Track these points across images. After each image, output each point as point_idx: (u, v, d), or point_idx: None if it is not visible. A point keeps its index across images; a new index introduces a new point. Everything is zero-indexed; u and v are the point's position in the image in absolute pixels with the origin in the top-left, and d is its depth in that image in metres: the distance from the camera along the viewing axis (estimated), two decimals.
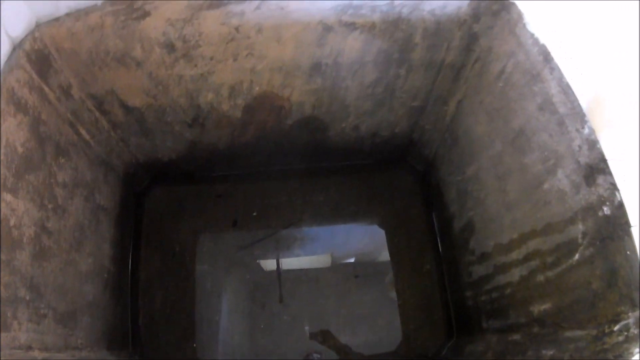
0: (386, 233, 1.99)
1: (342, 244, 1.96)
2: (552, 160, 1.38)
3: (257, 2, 1.33)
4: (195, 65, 1.43)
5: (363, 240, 1.98)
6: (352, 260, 1.97)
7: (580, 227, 1.34)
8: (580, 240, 1.35)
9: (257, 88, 1.54)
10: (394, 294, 1.95)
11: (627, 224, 1.18)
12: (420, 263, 1.95)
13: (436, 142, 1.89)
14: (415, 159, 2.02)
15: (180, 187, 1.88)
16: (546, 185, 1.41)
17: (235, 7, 1.31)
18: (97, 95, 1.46)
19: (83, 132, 1.52)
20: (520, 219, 1.53)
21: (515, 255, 1.55)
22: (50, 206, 1.35)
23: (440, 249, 1.98)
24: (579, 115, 1.24)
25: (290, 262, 1.95)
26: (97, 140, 1.56)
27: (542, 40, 1.31)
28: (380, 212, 2.01)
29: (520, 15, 1.36)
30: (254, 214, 1.88)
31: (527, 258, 1.51)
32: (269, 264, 1.93)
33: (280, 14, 1.35)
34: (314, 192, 1.96)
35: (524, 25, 1.35)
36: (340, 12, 1.36)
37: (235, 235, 1.88)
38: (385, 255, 1.99)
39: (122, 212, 1.70)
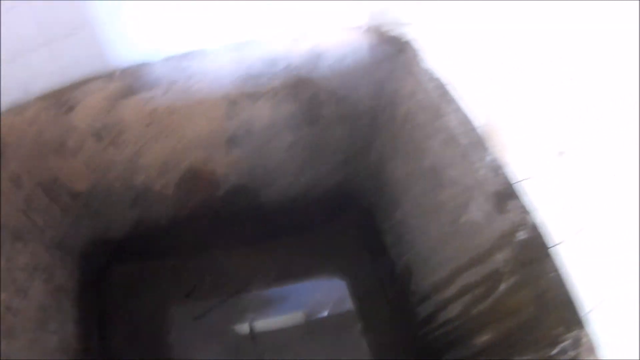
0: (344, 284, 1.83)
1: (303, 301, 1.77)
2: (463, 194, 1.26)
3: (164, 88, 1.26)
4: (123, 151, 1.38)
5: (324, 294, 1.82)
6: (318, 315, 1.84)
7: (500, 256, 1.19)
8: (503, 269, 1.22)
9: (182, 165, 1.47)
10: (364, 342, 1.82)
11: (544, 246, 1.07)
12: (381, 309, 1.80)
13: (368, 191, 1.77)
14: (355, 210, 1.89)
15: (136, 264, 1.77)
16: (462, 220, 1.29)
17: (147, 94, 1.26)
18: (45, 183, 1.42)
19: (36, 218, 1.46)
20: (447, 257, 1.37)
21: (449, 292, 1.39)
22: (12, 288, 1.29)
23: (389, 295, 1.81)
24: (480, 144, 1.13)
25: (257, 325, 1.75)
26: (51, 225, 1.50)
27: (437, 74, 1.21)
28: (331, 266, 1.85)
29: (415, 54, 1.26)
30: (207, 283, 1.76)
31: (460, 293, 1.35)
32: (230, 330, 1.77)
33: (186, 96, 1.29)
34: (263, 255, 1.81)
35: (419, 62, 1.25)
36: (241, 84, 1.29)
37: (192, 305, 1.75)
38: (349, 305, 1.85)
39: (83, 291, 1.61)
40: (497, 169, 1.11)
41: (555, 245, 1.04)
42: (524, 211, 1.07)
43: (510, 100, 1.22)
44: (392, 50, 1.31)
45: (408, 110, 1.35)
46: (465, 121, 1.16)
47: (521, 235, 1.11)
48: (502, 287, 1.21)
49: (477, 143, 1.15)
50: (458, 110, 1.18)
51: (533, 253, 1.08)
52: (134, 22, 1.18)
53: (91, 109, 1.28)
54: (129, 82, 1.26)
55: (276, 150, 1.52)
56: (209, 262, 1.74)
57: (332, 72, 1.35)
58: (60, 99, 1.25)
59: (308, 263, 1.81)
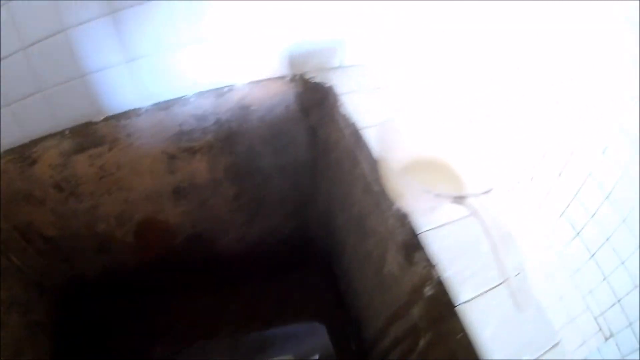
0: (312, 330, 1.63)
1: (271, 347, 1.66)
2: (382, 243, 1.09)
3: (108, 145, 1.22)
4: (82, 201, 1.34)
5: (291, 340, 1.65)
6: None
7: (416, 310, 1.01)
8: (420, 325, 1.03)
9: (137, 215, 1.40)
10: None
11: (450, 304, 0.89)
12: (347, 356, 1.60)
13: (323, 239, 1.60)
14: (316, 257, 1.71)
15: (110, 305, 1.67)
16: (385, 270, 1.11)
17: (95, 150, 1.23)
18: (20, 227, 1.39)
19: (14, 258, 1.44)
20: (379, 307, 1.18)
21: (385, 343, 1.19)
22: None
23: (351, 342, 1.57)
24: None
25: None
26: (28, 265, 1.48)
27: (353, 119, 1.07)
28: (297, 312, 1.66)
29: (336, 98, 1.13)
30: (175, 326, 1.62)
31: (393, 345, 1.13)
32: None
33: (129, 151, 1.23)
34: (230, 301, 1.66)
35: (339, 107, 1.12)
36: (176, 140, 1.22)
37: (162, 346, 1.60)
38: (320, 352, 1.66)
39: (59, 328, 1.58)
40: (402, 218, 0.95)
41: (461, 303, 0.87)
42: (428, 264, 0.90)
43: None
44: (318, 97, 1.20)
45: (337, 157, 1.21)
46: (375, 168, 1.02)
47: (428, 290, 0.93)
48: (421, 343, 1.02)
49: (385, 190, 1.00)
50: (370, 156, 1.04)
51: (441, 311, 0.91)
52: (75, 86, 1.18)
53: (50, 163, 1.27)
54: (77, 140, 1.24)
55: (222, 201, 1.40)
56: (177, 306, 1.62)
57: (264, 124, 1.25)
58: (24, 153, 1.25)
59: (274, 309, 1.63)
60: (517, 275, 0.79)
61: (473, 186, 1.00)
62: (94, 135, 1.24)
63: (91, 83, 1.16)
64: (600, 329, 1.88)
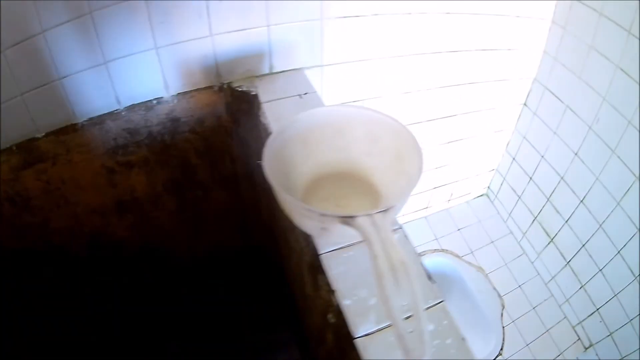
0: (292, 340, 1.44)
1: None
2: (299, 262, 0.94)
3: (51, 160, 1.20)
4: (35, 215, 1.22)
5: (268, 350, 1.50)
6: None
7: (329, 337, 0.88)
8: (334, 354, 0.88)
9: (86, 229, 1.28)
10: None
11: (349, 336, 0.73)
12: None
13: (273, 254, 1.39)
14: (273, 271, 1.47)
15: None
16: (305, 290, 0.96)
17: (40, 166, 1.13)
18: None
19: None
20: (311, 327, 1.04)
21: None
22: None
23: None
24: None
25: None
26: None
27: (271, 128, 0.93)
28: (267, 325, 1.49)
29: (259, 107, 1.00)
30: (146, 336, 1.46)
31: None
32: None
33: (70, 166, 1.14)
34: (198, 315, 1.47)
35: (260, 116, 0.98)
36: (112, 154, 1.12)
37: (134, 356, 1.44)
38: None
39: None
40: (307, 238, 0.80)
41: (361, 337, 0.70)
42: (328, 289, 0.75)
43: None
44: (245, 106, 1.06)
45: None
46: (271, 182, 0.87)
47: (331, 318, 0.77)
48: None
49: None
50: None
51: (343, 341, 0.75)
52: (15, 104, 1.09)
53: (3, 178, 1.20)
54: (23, 155, 1.16)
55: (165, 215, 1.28)
56: (144, 318, 1.49)
57: (197, 136, 1.12)
58: None
59: (238, 321, 1.50)
60: (407, 318, 0.61)
61: (389, 201, 0.83)
62: (37, 151, 1.15)
63: (30, 100, 1.07)
64: (579, 339, 1.65)
